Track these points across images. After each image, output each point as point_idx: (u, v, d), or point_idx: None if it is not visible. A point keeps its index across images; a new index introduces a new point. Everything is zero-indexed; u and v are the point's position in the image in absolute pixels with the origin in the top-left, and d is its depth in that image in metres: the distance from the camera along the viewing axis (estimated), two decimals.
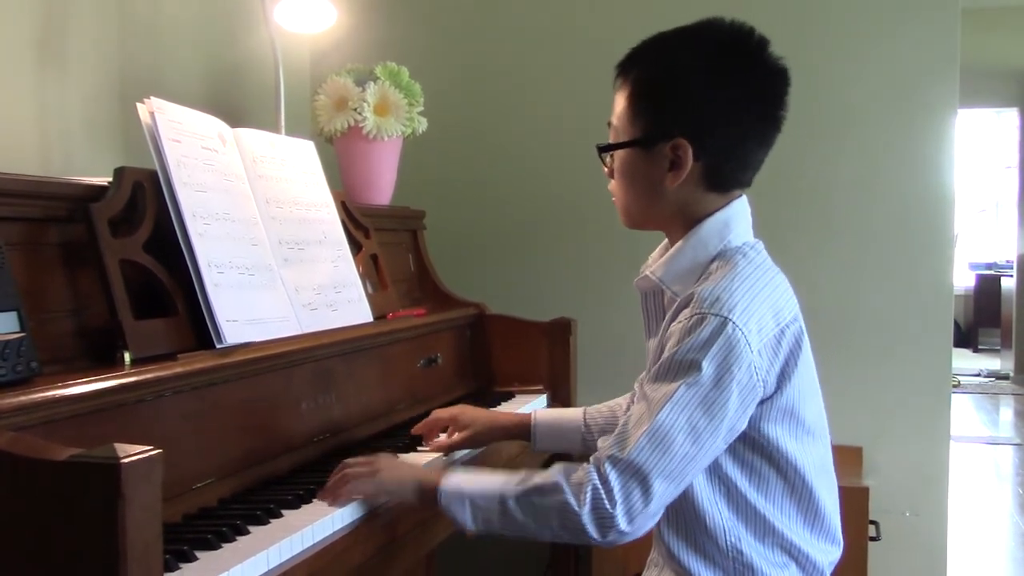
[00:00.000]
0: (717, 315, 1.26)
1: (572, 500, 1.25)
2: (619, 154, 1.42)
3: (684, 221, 1.40)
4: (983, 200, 10.35)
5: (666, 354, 1.29)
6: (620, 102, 1.41)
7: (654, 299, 1.46)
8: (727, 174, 1.39)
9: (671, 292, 1.38)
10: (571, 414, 1.78)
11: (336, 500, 1.39)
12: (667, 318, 1.37)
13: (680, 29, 1.40)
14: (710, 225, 1.38)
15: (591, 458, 1.30)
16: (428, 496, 1.36)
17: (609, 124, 1.44)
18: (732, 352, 1.25)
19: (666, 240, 1.47)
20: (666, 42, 1.40)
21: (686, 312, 1.30)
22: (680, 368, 1.26)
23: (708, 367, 1.25)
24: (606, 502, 1.24)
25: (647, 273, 1.43)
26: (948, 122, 2.55)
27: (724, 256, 1.36)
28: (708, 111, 1.34)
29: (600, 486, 1.25)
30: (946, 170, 2.56)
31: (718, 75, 1.35)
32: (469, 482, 1.35)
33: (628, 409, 1.72)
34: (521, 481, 1.31)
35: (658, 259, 1.45)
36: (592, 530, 1.25)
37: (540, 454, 2.11)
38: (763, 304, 1.31)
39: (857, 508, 2.23)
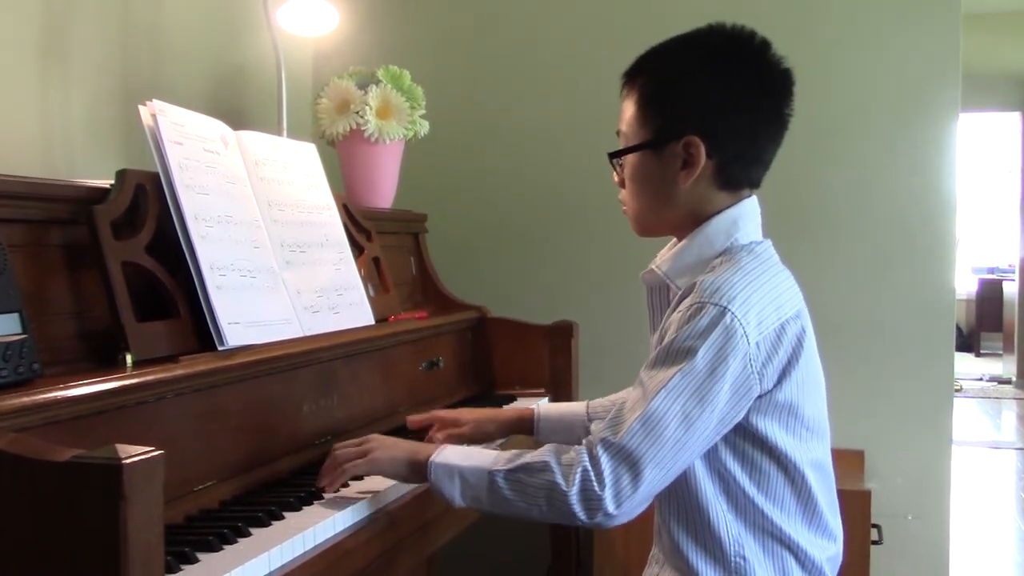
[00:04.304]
0: (716, 304, 1.27)
1: (561, 480, 1.26)
2: (630, 160, 1.42)
3: (695, 223, 1.40)
4: (985, 204, 10.34)
5: (664, 341, 1.30)
6: (628, 108, 1.42)
7: (659, 294, 1.46)
8: (738, 171, 1.39)
9: (675, 286, 1.39)
10: (574, 407, 1.79)
11: (332, 484, 1.40)
12: (670, 309, 1.37)
13: (683, 35, 1.42)
14: (718, 223, 1.39)
15: (584, 440, 1.30)
16: (419, 470, 1.36)
17: (618, 133, 1.45)
18: (729, 342, 1.26)
19: (674, 239, 1.48)
20: (670, 47, 1.42)
21: (686, 302, 1.31)
22: (677, 355, 1.27)
23: (704, 355, 1.26)
24: (595, 484, 1.25)
25: (653, 267, 1.44)
26: (950, 126, 2.55)
27: (729, 252, 1.37)
28: (717, 108, 1.36)
29: (590, 468, 1.25)
30: (948, 174, 2.56)
31: (723, 74, 1.36)
32: (460, 457, 1.35)
33: None
34: (511, 459, 1.32)
35: (665, 254, 1.45)
36: (579, 511, 1.25)
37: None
38: (764, 297, 1.31)
39: (859, 512, 2.23)
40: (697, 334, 1.27)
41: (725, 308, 1.27)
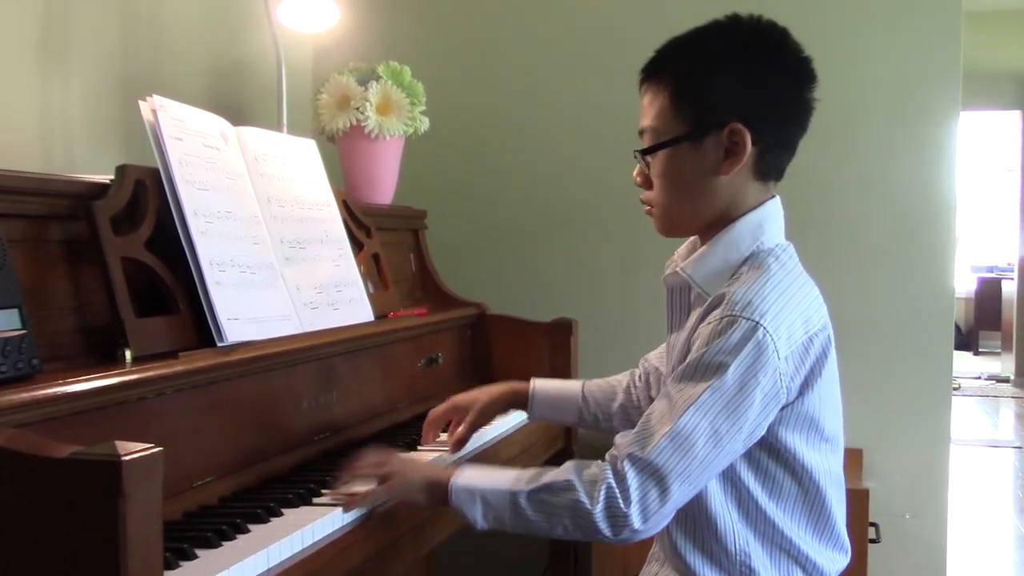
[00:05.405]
0: (748, 319, 1.25)
1: (585, 498, 1.25)
2: (662, 156, 1.38)
3: (726, 220, 1.38)
4: (985, 203, 10.34)
5: (693, 354, 1.28)
6: (656, 104, 1.38)
7: (680, 294, 1.44)
8: (774, 159, 1.38)
9: (701, 291, 1.37)
10: (570, 386, 1.78)
11: (348, 508, 1.37)
12: (696, 317, 1.35)
13: (705, 26, 1.39)
14: (743, 225, 1.37)
15: (607, 455, 1.29)
16: (438, 494, 1.35)
17: (641, 132, 1.41)
18: (760, 358, 1.24)
19: (693, 238, 1.46)
20: (695, 38, 1.39)
21: (716, 313, 1.29)
22: (707, 370, 1.25)
23: (735, 371, 1.24)
24: (620, 500, 1.23)
25: (677, 270, 1.41)
26: (950, 125, 2.55)
27: (756, 257, 1.35)
28: (755, 95, 1.34)
29: (615, 485, 1.24)
30: (948, 173, 2.56)
31: (754, 61, 1.35)
32: (480, 479, 1.34)
33: (628, 387, 1.72)
34: (533, 478, 1.30)
35: (686, 255, 1.43)
36: (605, 528, 1.24)
37: (536, 456, 2.11)
38: (794, 311, 1.30)
39: (857, 510, 2.23)
40: (728, 349, 1.24)
41: (757, 323, 1.25)
